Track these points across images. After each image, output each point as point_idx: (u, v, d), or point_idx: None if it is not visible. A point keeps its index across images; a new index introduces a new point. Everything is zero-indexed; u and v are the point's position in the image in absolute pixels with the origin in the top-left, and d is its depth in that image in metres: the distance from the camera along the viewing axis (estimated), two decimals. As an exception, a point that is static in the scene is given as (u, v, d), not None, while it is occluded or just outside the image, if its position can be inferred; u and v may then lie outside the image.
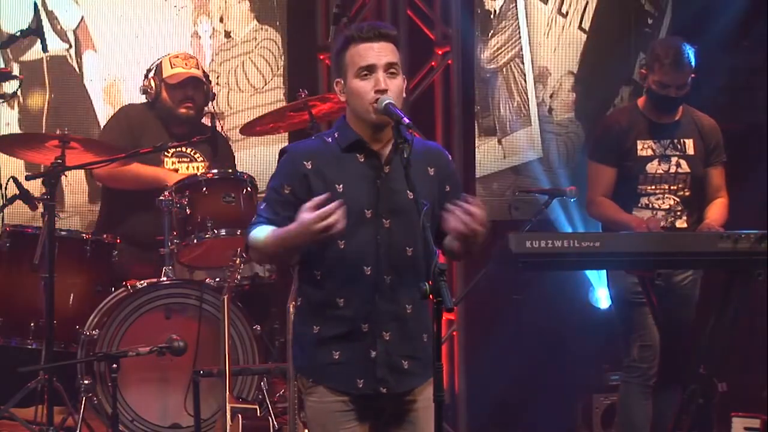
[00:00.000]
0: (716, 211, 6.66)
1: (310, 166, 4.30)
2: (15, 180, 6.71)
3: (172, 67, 7.16)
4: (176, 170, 7.13)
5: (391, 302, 4.31)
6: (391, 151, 4.33)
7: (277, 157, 4.46)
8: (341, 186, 4.28)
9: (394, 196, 4.30)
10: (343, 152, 4.33)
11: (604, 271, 6.98)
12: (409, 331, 4.36)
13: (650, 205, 6.65)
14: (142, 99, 7.30)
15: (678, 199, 6.66)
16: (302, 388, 4.41)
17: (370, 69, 4.28)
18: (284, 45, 8.20)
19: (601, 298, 7.74)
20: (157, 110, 7.19)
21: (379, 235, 4.30)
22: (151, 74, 7.21)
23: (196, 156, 7.21)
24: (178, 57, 7.22)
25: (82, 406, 6.46)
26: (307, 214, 4.13)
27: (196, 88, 7.17)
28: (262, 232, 4.32)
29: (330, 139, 4.37)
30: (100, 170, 7.03)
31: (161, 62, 7.20)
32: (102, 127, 7.60)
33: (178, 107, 7.14)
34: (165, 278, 6.70)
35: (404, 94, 4.37)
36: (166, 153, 7.10)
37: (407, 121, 4.20)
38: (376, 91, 4.27)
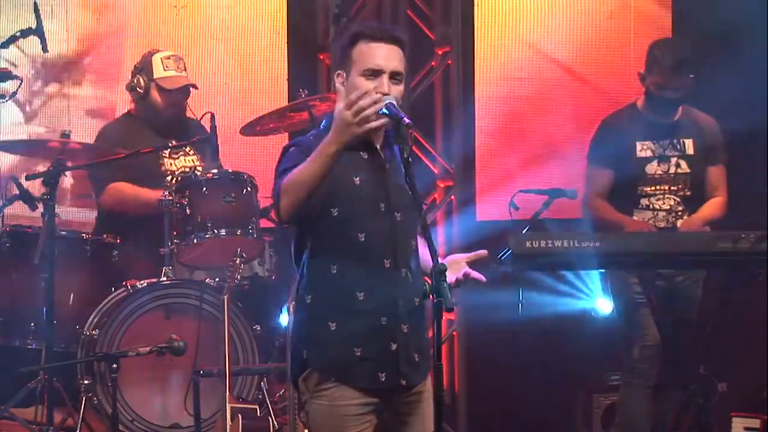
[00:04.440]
0: (707, 208, 6.66)
1: None
2: (15, 180, 6.72)
3: (164, 69, 7.15)
4: (170, 171, 7.13)
5: (406, 295, 4.31)
6: (385, 149, 4.34)
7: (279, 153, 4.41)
8: (358, 178, 4.27)
9: (399, 190, 4.32)
10: (349, 150, 4.27)
11: (603, 276, 6.97)
12: (420, 324, 4.37)
13: (650, 206, 6.65)
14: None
15: (678, 199, 6.67)
16: (306, 390, 4.31)
17: (377, 73, 4.27)
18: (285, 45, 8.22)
19: (602, 306, 7.69)
20: (141, 113, 7.18)
21: (394, 228, 4.30)
22: (139, 72, 7.19)
23: (188, 150, 7.21)
24: (169, 59, 7.19)
25: (82, 406, 6.46)
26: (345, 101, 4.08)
27: (187, 94, 7.19)
28: (295, 170, 4.15)
29: None
30: (105, 197, 7.03)
31: (151, 61, 7.18)
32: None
33: (166, 109, 7.14)
34: (165, 278, 6.70)
35: (401, 102, 4.36)
36: (162, 152, 7.11)
37: (407, 120, 4.20)
38: (378, 92, 4.26)
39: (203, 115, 7.07)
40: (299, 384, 4.35)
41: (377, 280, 4.27)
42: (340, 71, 4.34)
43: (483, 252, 4.35)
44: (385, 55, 4.28)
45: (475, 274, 4.32)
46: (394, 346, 4.28)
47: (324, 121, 4.40)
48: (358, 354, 4.26)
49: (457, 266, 4.28)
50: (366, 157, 4.32)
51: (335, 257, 4.28)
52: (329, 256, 4.28)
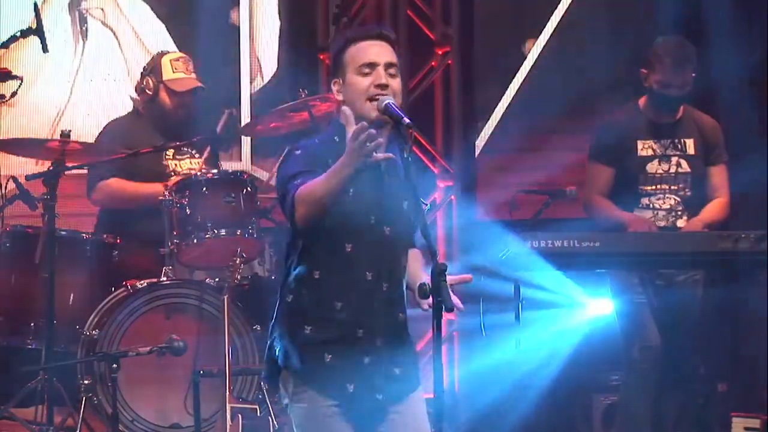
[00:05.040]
0: (709, 210, 6.67)
1: (332, 163, 4.19)
2: (15, 180, 6.72)
3: (174, 71, 7.14)
4: (175, 172, 7.13)
5: (386, 310, 4.29)
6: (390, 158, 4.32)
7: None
8: (351, 190, 4.25)
9: (394, 203, 4.30)
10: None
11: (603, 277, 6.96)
12: (402, 338, 4.35)
13: (651, 205, 6.66)
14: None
15: (679, 199, 6.67)
16: (287, 393, 4.31)
17: (372, 66, 4.26)
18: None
19: (602, 308, 7.65)
20: (148, 113, 7.17)
21: (381, 242, 4.29)
22: (148, 73, 7.18)
23: (193, 152, 7.21)
24: (179, 60, 7.18)
25: (82, 406, 6.46)
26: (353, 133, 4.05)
27: (196, 95, 7.19)
28: (311, 182, 4.14)
29: (337, 138, 4.29)
30: (96, 194, 7.05)
31: (160, 62, 7.17)
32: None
33: (175, 110, 7.14)
34: (165, 278, 6.70)
35: (401, 96, 4.35)
36: (166, 153, 7.11)
37: (407, 120, 4.19)
38: (376, 86, 4.25)
39: (225, 115, 7.06)
40: (282, 388, 4.33)
41: (357, 291, 4.26)
42: (336, 78, 4.34)
43: (467, 276, 4.33)
44: (377, 51, 4.28)
45: (457, 304, 4.23)
46: (367, 360, 4.27)
47: (330, 126, 4.40)
48: (328, 360, 4.25)
49: None
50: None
51: (320, 264, 4.27)
52: (315, 261, 4.28)
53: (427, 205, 4.19)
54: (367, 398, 4.28)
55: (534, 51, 8.37)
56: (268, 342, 4.38)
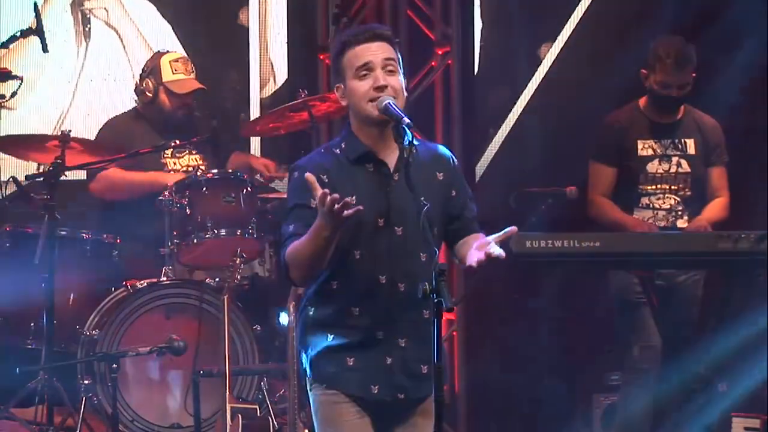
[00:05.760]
0: (711, 210, 6.67)
1: (327, 180, 4.25)
2: (15, 180, 6.72)
3: (173, 72, 7.13)
4: (173, 170, 7.13)
5: (407, 309, 4.31)
6: (399, 158, 4.32)
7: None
8: (353, 198, 4.23)
9: (405, 203, 4.28)
10: (352, 164, 4.31)
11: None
12: (427, 336, 4.34)
13: (651, 205, 6.66)
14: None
15: (679, 199, 6.67)
16: (309, 383, 4.38)
17: (368, 68, 4.27)
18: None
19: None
20: (148, 114, 7.17)
21: (393, 244, 4.30)
22: (147, 75, 7.17)
23: (191, 149, 7.21)
24: (178, 62, 7.17)
25: (82, 406, 6.46)
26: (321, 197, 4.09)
27: (197, 97, 7.19)
28: (298, 243, 4.22)
29: (338, 150, 4.33)
30: (95, 184, 7.04)
31: (159, 63, 7.16)
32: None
33: (175, 111, 7.14)
34: (165, 278, 6.71)
35: (405, 93, 4.35)
36: (164, 152, 7.10)
37: (407, 120, 4.19)
38: (375, 88, 4.25)
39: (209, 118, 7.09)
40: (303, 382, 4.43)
41: (372, 296, 4.29)
42: (338, 84, 4.37)
43: (513, 229, 4.31)
44: (372, 51, 4.29)
45: (500, 254, 4.19)
46: (389, 360, 4.31)
47: (341, 133, 4.42)
48: (351, 364, 4.30)
49: (486, 247, 4.20)
50: (372, 169, 4.32)
51: (335, 273, 4.31)
52: (330, 272, 4.31)
53: (426, 205, 4.17)
54: (390, 398, 4.32)
55: (549, 55, 8.36)
56: (296, 350, 4.43)
